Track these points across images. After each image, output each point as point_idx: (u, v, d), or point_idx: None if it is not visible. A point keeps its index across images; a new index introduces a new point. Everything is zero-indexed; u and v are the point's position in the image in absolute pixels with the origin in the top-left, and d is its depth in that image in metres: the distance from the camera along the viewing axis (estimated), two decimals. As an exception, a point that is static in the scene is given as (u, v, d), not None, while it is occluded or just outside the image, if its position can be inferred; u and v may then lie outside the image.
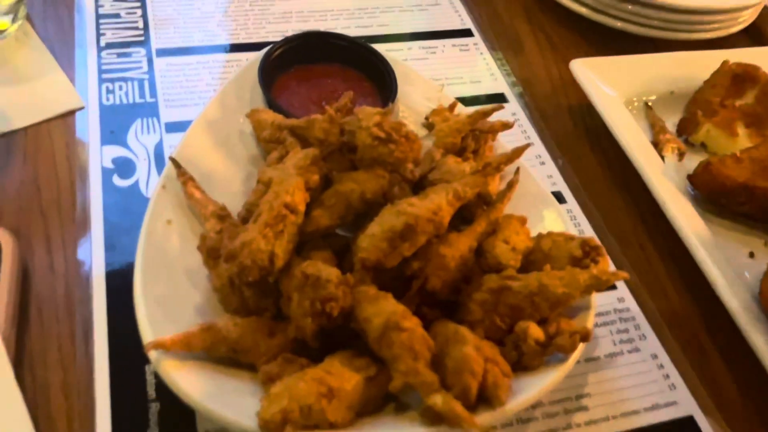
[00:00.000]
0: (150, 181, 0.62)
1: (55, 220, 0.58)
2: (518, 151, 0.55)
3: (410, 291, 0.49)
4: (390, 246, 0.48)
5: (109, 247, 0.56)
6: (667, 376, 0.56)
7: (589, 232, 0.65)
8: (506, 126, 0.60)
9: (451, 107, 0.63)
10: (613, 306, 0.60)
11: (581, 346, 0.48)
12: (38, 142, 0.63)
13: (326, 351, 0.47)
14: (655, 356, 0.57)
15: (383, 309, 0.45)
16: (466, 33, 0.84)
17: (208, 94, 0.70)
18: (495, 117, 0.61)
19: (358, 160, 0.54)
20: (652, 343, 0.58)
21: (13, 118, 0.64)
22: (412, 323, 0.44)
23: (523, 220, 0.53)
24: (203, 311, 0.50)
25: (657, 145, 0.71)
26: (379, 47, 0.69)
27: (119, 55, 0.72)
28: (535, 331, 0.47)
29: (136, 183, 0.61)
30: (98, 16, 0.76)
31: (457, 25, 0.84)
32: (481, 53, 0.81)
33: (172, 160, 0.55)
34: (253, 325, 0.47)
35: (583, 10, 0.87)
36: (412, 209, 0.49)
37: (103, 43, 0.73)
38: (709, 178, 0.65)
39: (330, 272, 0.46)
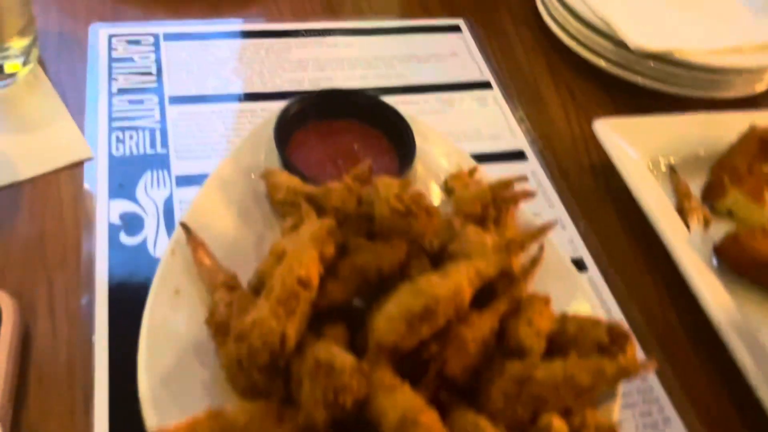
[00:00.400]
0: (158, 239, 0.59)
1: (60, 281, 0.56)
2: (544, 229, 0.53)
3: (427, 376, 0.47)
4: (408, 328, 0.46)
5: (114, 311, 0.54)
6: (694, 468, 0.53)
7: (611, 303, 0.63)
8: (529, 195, 0.58)
9: (471, 171, 0.61)
10: (635, 385, 0.57)
11: (607, 443, 0.45)
12: (46, 194, 0.61)
13: (337, 439, 0.44)
14: (680, 443, 0.54)
15: (399, 402, 0.43)
16: (485, 85, 0.82)
17: (221, 145, 0.68)
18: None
19: (376, 232, 0.52)
20: (676, 428, 0.55)
21: (19, 168, 0.62)
22: (430, 418, 0.42)
23: (547, 300, 0.51)
24: (211, 390, 0.48)
25: (681, 212, 0.68)
26: (395, 98, 0.68)
27: (131, 101, 0.70)
28: (560, 426, 0.45)
29: (144, 241, 0.59)
30: (111, 60, 0.74)
31: (476, 77, 0.83)
32: (500, 107, 0.79)
33: (182, 224, 0.53)
34: (262, 410, 0.45)
35: (603, 64, 0.85)
36: (432, 289, 0.46)
37: (114, 89, 0.71)
38: (736, 252, 0.63)
39: (344, 360, 0.43)
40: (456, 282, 0.48)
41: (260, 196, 0.59)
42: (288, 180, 0.56)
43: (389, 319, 0.46)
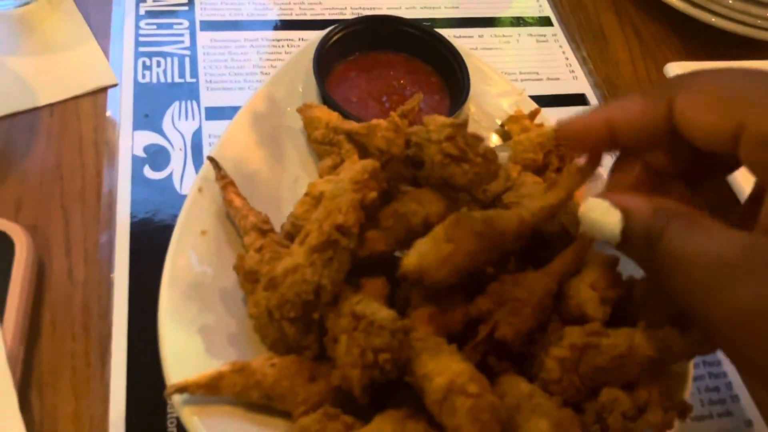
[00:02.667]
0: (185, 175, 0.55)
1: (78, 217, 0.51)
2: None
3: (476, 338, 0.42)
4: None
5: (135, 252, 0.50)
6: (765, 451, 0.48)
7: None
8: (597, 143, 0.52)
9: (533, 115, 0.55)
10: (701, 357, 0.52)
11: (677, 425, 0.40)
12: (65, 122, 0.57)
13: (374, 403, 0.40)
14: (749, 423, 0.49)
15: (447, 367, 0.38)
16: (545, 21, 0.74)
17: (255, 76, 0.62)
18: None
19: (424, 177, 0.46)
20: (746, 405, 0.50)
21: (38, 93, 0.58)
22: (481, 388, 0.37)
23: (613, 262, 0.45)
24: (237, 342, 0.44)
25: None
26: (447, 32, 0.61)
27: (159, 26, 0.65)
28: (626, 403, 0.40)
29: (170, 176, 0.55)
30: (140, -20, 0.68)
31: (535, 13, 0.75)
32: (561, 46, 0.72)
33: (211, 159, 0.48)
34: (292, 367, 0.41)
35: (675, 1, 0.77)
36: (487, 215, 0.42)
37: (142, 11, 0.66)
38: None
39: (385, 315, 0.39)
40: (516, 213, 0.43)
41: (296, 133, 0.53)
42: (328, 115, 0.51)
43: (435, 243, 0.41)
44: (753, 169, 0.33)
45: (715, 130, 0.33)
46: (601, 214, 0.37)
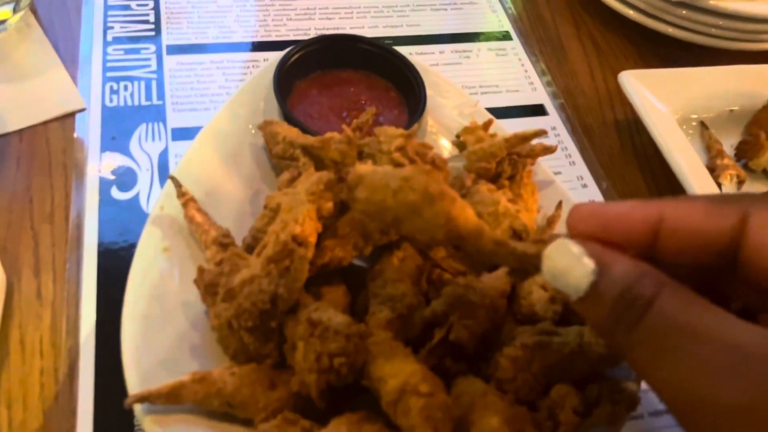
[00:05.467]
0: (152, 195, 0.56)
1: (47, 238, 0.53)
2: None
3: (432, 341, 0.43)
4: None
5: (103, 271, 0.51)
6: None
7: (634, 268, 0.58)
8: (548, 151, 0.54)
9: (486, 125, 0.57)
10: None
11: (626, 417, 0.42)
12: (34, 146, 0.58)
13: (332, 407, 0.41)
14: (705, 417, 0.50)
15: (400, 369, 0.39)
16: (504, 36, 0.77)
17: (221, 97, 0.64)
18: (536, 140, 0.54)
19: (379, 187, 0.48)
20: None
21: (8, 120, 0.59)
22: (433, 387, 0.38)
23: (564, 263, 0.47)
24: (200, 354, 0.44)
25: (713, 170, 0.63)
26: (408, 49, 0.63)
27: (127, 51, 0.67)
28: (575, 399, 0.41)
29: (137, 196, 0.56)
30: (107, 8, 0.70)
31: (494, 27, 0.78)
32: (520, 59, 0.75)
33: (172, 178, 0.49)
34: (253, 375, 0.42)
35: (632, 14, 0.79)
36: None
37: (110, 38, 0.68)
38: (773, 213, 0.58)
39: (340, 321, 0.40)
40: None
41: (258, 150, 0.55)
42: (287, 131, 0.52)
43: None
44: None
45: None
46: (570, 260, 0.31)
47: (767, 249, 0.28)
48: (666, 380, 0.28)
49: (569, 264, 0.31)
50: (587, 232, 0.32)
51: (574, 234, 0.33)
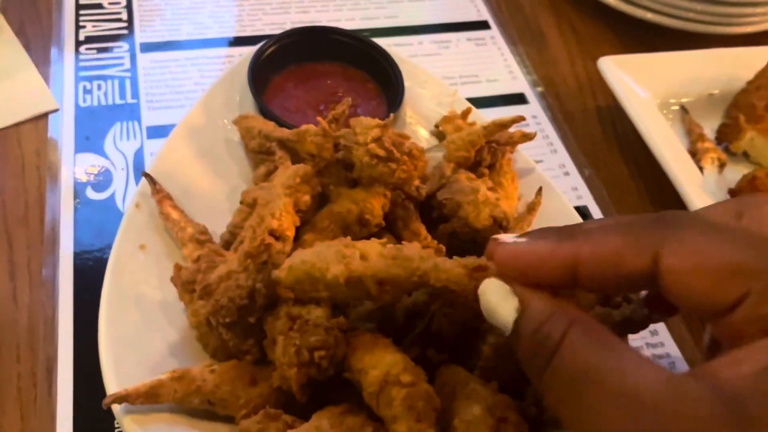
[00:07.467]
0: (128, 195, 0.55)
1: (21, 241, 0.52)
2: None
3: (413, 332, 0.43)
4: None
5: (79, 273, 0.50)
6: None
7: (617, 254, 0.58)
8: (527, 138, 0.53)
9: (464, 114, 0.56)
10: (645, 340, 0.53)
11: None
12: (6, 149, 0.57)
13: (315, 401, 0.40)
14: (692, 400, 0.50)
15: (381, 359, 0.39)
16: (482, 25, 0.76)
17: (196, 94, 0.63)
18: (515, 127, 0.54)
19: (356, 178, 0.47)
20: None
21: (-22, 122, 0.58)
22: (415, 377, 0.38)
23: (545, 249, 0.46)
24: (179, 352, 0.44)
25: (695, 154, 0.63)
26: (386, 41, 0.62)
27: (100, 50, 0.66)
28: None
29: (112, 196, 0.55)
30: (78, 7, 0.69)
31: (472, 17, 0.77)
32: (499, 48, 0.74)
33: (146, 175, 0.48)
34: (233, 372, 0.41)
35: (613, 1, 0.79)
36: None
37: (82, 37, 0.67)
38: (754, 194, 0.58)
39: (320, 314, 0.39)
40: None
41: (234, 145, 0.54)
42: (262, 125, 0.52)
43: None
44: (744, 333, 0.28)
45: (710, 300, 0.29)
46: (499, 297, 0.33)
47: (682, 285, 0.29)
48: (572, 423, 0.29)
49: (498, 301, 0.33)
50: (514, 272, 0.33)
51: (502, 273, 0.33)
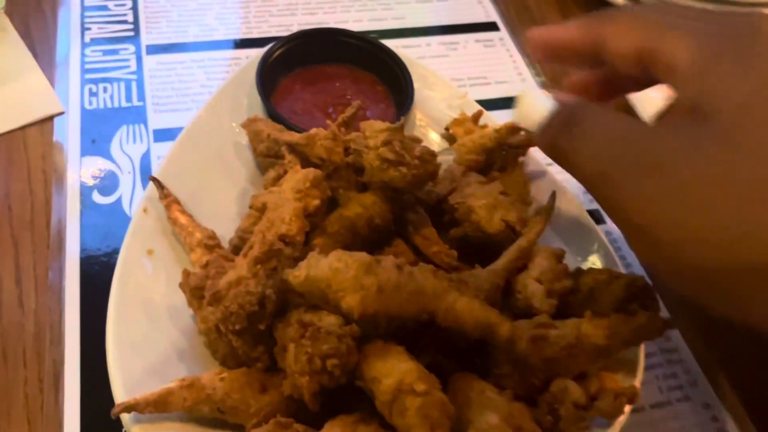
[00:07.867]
0: (134, 199, 0.55)
1: (27, 245, 0.51)
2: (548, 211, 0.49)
3: (425, 339, 0.42)
4: None
5: (86, 277, 0.49)
6: (722, 432, 0.48)
7: (631, 257, 0.58)
8: (538, 140, 0.52)
9: (475, 117, 0.55)
10: (659, 345, 0.53)
11: (628, 410, 0.41)
12: (11, 152, 0.57)
13: (327, 410, 0.40)
14: (707, 406, 0.50)
15: (394, 368, 0.38)
16: (491, 27, 0.76)
17: (203, 97, 0.62)
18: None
19: (366, 182, 0.47)
20: (704, 389, 0.50)
21: (-17, 125, 0.57)
22: (429, 385, 0.37)
23: (559, 254, 0.46)
24: (188, 359, 0.43)
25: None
26: (394, 43, 0.62)
27: (105, 52, 0.65)
28: (576, 392, 0.40)
29: (119, 200, 0.54)
30: (84, 9, 0.69)
31: (481, 18, 0.76)
32: (508, 50, 0.73)
33: (153, 179, 0.48)
34: (243, 379, 0.41)
35: (620, 2, 0.78)
36: None
37: (87, 39, 0.66)
38: None
39: (332, 321, 0.39)
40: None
41: (243, 148, 0.54)
42: (271, 128, 0.51)
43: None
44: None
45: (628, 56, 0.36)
46: (534, 99, 0.39)
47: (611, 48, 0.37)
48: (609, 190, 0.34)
49: (534, 102, 0.39)
50: (548, 51, 0.42)
51: (534, 57, 0.44)
